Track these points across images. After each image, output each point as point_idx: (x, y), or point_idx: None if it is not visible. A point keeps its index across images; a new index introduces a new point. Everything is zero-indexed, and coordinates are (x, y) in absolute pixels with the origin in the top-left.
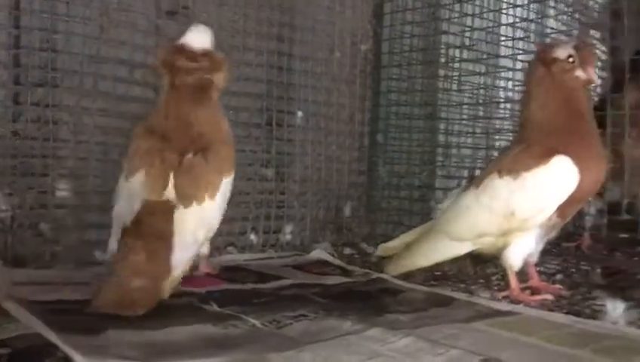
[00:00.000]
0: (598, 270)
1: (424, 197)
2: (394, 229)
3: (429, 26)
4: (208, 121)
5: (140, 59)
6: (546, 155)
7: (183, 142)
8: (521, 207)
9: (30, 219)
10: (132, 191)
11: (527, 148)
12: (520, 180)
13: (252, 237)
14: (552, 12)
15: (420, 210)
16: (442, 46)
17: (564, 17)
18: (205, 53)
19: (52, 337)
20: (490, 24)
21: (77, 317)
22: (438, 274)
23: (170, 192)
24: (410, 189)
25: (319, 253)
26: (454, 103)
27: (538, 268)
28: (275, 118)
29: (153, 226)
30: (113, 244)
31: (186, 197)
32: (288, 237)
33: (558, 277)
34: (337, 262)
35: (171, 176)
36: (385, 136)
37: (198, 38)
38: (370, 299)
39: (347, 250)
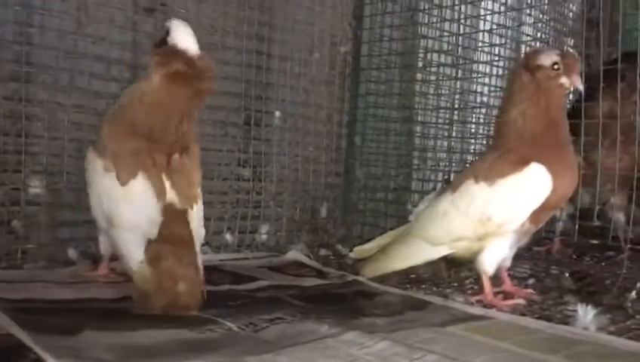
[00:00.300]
0: (568, 275)
1: (400, 199)
2: (370, 231)
3: (407, 30)
4: (190, 125)
5: (116, 55)
6: (521, 163)
7: (169, 142)
8: (497, 213)
9: (2, 217)
10: (135, 198)
11: (503, 154)
12: (496, 186)
13: (228, 236)
14: (528, 20)
15: (396, 212)
16: (420, 50)
17: (540, 25)
18: (200, 58)
19: (24, 337)
20: (468, 30)
21: (50, 317)
22: (412, 276)
23: (170, 195)
24: (386, 191)
25: (295, 255)
26: (431, 107)
27: (510, 273)
28: (253, 118)
29: (175, 232)
30: (138, 253)
31: (188, 199)
32: (264, 237)
33: (531, 281)
34: (313, 263)
35: (164, 177)
36: (362, 139)
37: (191, 40)
38: (346, 302)
39: (323, 252)
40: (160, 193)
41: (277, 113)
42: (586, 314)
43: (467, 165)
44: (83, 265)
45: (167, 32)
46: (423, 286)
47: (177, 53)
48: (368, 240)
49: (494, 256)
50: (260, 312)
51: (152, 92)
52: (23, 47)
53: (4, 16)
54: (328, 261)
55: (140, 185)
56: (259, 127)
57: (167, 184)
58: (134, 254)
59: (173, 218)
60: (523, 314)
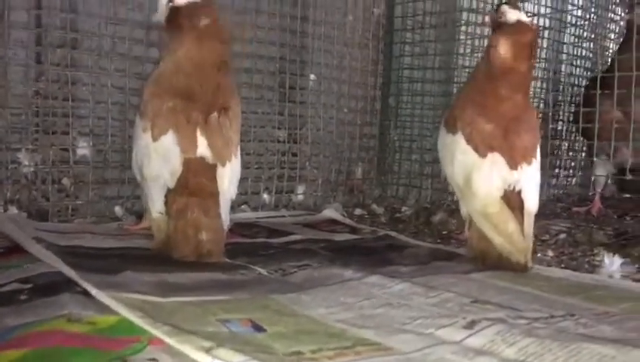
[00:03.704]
0: (602, 231)
1: (436, 159)
2: (405, 191)
3: None
4: (228, 83)
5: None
6: None
7: (207, 101)
8: None
9: (52, 175)
10: (163, 151)
11: None
12: None
13: (265, 196)
14: None
15: (432, 172)
16: (459, 9)
17: None
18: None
19: (72, 275)
20: None
21: (95, 260)
22: (444, 233)
23: (203, 150)
24: (422, 152)
25: (330, 213)
26: (468, 67)
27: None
28: (288, 81)
29: (200, 184)
30: (158, 203)
31: (222, 156)
32: (300, 197)
33: (562, 236)
34: (347, 221)
35: (198, 134)
36: (396, 100)
37: None
38: (375, 253)
39: (358, 211)
40: (187, 147)
41: (312, 76)
42: (612, 264)
43: None
44: (128, 220)
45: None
46: (454, 241)
47: (196, 8)
48: (403, 200)
49: None
50: (290, 260)
51: (184, 55)
52: (68, 14)
53: None
54: (362, 219)
55: (168, 139)
56: (294, 90)
57: (202, 140)
58: (156, 204)
59: (203, 171)
60: (550, 265)
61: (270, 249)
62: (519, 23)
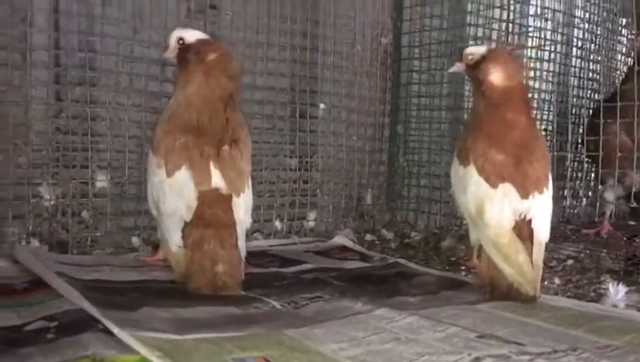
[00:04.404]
0: (611, 255)
1: (444, 185)
2: (414, 216)
3: (452, 19)
4: (236, 116)
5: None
6: None
7: (218, 135)
8: None
9: (72, 208)
10: (178, 186)
11: None
12: None
13: (277, 224)
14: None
15: (440, 197)
16: (466, 38)
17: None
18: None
19: (94, 312)
20: (517, 16)
21: (115, 295)
22: (452, 259)
23: (217, 182)
24: (431, 178)
25: (341, 239)
26: None
27: (552, 254)
28: (299, 111)
29: (216, 216)
30: (176, 237)
31: (236, 186)
32: (312, 224)
33: (569, 262)
34: (357, 247)
35: (211, 167)
36: (405, 127)
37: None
38: (384, 283)
39: (368, 237)
40: (201, 180)
41: (322, 105)
42: (617, 293)
43: None
44: (144, 251)
45: (183, 41)
46: (462, 268)
47: (204, 44)
48: (412, 225)
49: None
50: (302, 291)
51: (193, 90)
52: (86, 53)
53: (70, 26)
54: (373, 245)
55: (182, 175)
56: (305, 119)
57: (216, 172)
58: (174, 238)
59: (217, 203)
60: (556, 294)
61: (283, 280)
62: (492, 50)
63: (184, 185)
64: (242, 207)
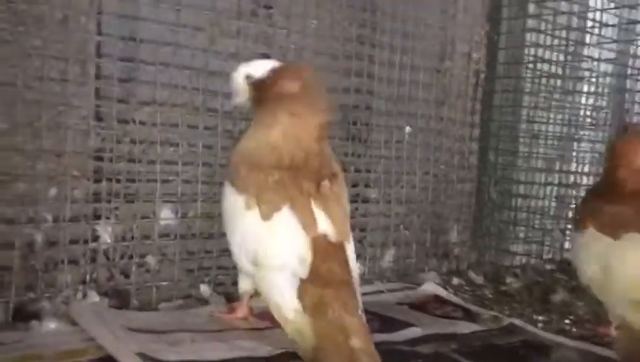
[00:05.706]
0: None
1: (543, 223)
2: (503, 257)
3: (563, 35)
4: (328, 149)
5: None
6: None
7: (314, 170)
8: None
9: (135, 250)
10: (281, 232)
11: None
12: None
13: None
14: None
15: (537, 236)
16: (585, 59)
17: None
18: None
19: None
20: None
21: None
22: (572, 319)
23: (323, 226)
24: (528, 213)
25: (431, 287)
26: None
27: None
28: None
29: (332, 271)
30: (290, 299)
31: (344, 231)
32: (391, 264)
33: None
34: (454, 299)
35: (313, 206)
36: (496, 154)
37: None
38: (514, 359)
39: (455, 281)
40: (308, 224)
41: (407, 128)
42: None
43: None
44: (217, 303)
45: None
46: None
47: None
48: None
49: None
50: None
51: (279, 135)
52: (157, 66)
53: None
54: (463, 290)
55: (284, 217)
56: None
57: (320, 213)
58: (287, 300)
59: (330, 253)
60: None
61: (397, 355)
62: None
63: (289, 230)
64: (353, 256)
